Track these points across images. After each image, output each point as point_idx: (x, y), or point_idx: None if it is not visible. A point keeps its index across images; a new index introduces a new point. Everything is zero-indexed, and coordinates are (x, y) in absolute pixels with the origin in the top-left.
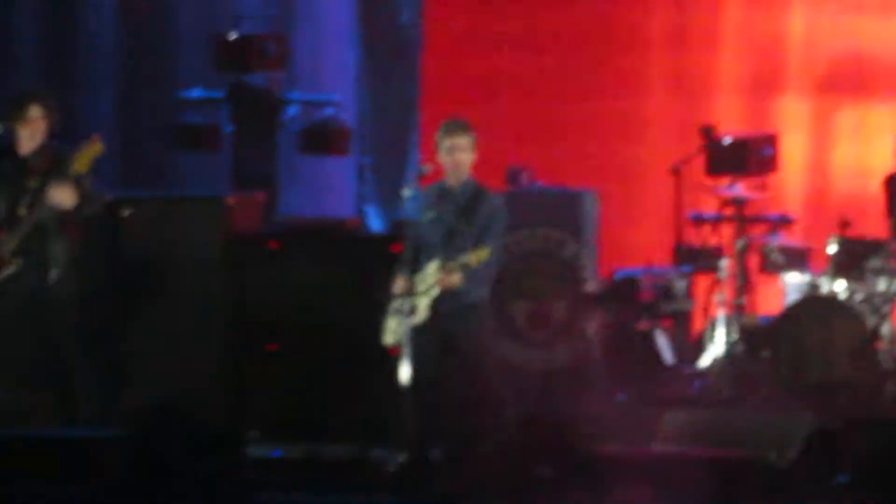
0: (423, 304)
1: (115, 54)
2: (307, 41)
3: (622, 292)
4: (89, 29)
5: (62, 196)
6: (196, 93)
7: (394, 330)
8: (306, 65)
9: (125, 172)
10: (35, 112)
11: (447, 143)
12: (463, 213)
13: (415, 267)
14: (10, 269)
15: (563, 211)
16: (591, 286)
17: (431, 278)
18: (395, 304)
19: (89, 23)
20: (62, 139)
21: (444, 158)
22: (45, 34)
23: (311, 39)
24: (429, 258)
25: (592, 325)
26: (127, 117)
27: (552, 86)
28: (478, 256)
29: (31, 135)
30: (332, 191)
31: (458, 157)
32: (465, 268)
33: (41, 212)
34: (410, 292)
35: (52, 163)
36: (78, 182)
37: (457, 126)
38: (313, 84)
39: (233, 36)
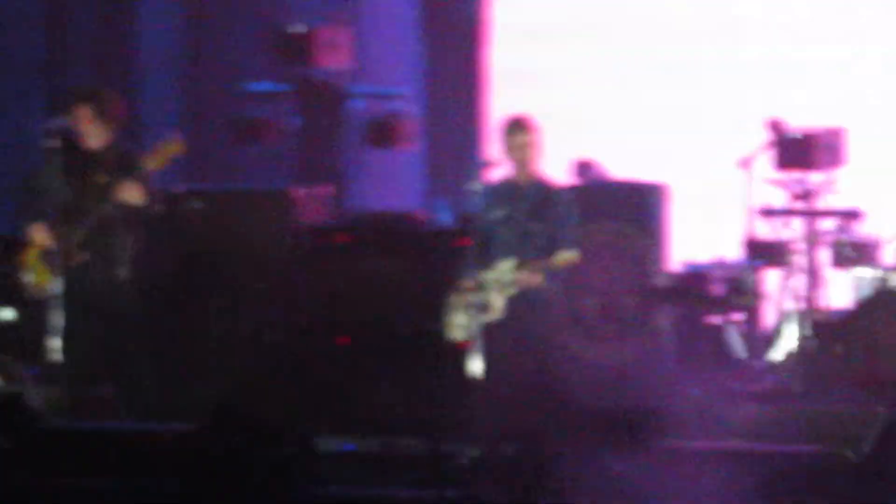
0: (499, 302)
1: (180, 47)
2: (372, 34)
3: (692, 286)
4: (153, 21)
5: (132, 194)
6: (261, 86)
7: (463, 325)
8: (372, 58)
9: (191, 166)
10: (83, 112)
11: (515, 140)
12: (535, 211)
13: (485, 263)
14: (75, 262)
15: (633, 204)
16: (661, 280)
17: (508, 276)
18: (463, 299)
19: (152, 15)
20: (127, 133)
21: (511, 155)
22: (107, 27)
23: (377, 32)
24: (501, 255)
25: (662, 320)
26: (192, 111)
27: (621, 76)
28: (565, 259)
29: (86, 132)
30: (399, 184)
31: (526, 153)
32: (550, 269)
33: (108, 207)
34: (482, 288)
35: (121, 160)
36: (146, 178)
37: (523, 123)
38: (379, 77)
39: (298, 29)
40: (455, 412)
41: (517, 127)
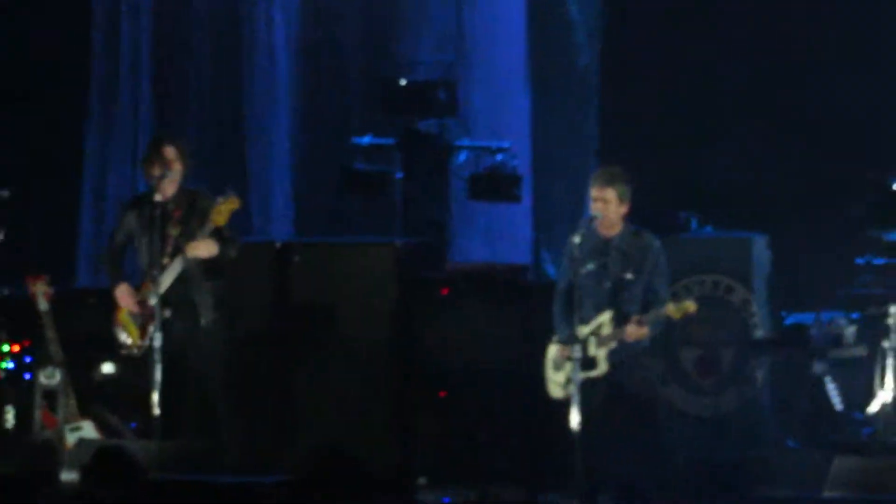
0: (602, 356)
1: (290, 100)
2: (483, 87)
3: (792, 338)
4: (264, 75)
5: (201, 250)
6: (367, 139)
7: (560, 381)
8: (482, 110)
9: (298, 217)
10: (170, 153)
11: (594, 193)
12: (628, 263)
13: (577, 316)
14: (160, 318)
15: (734, 256)
16: (761, 332)
17: (607, 329)
18: (561, 353)
19: (264, 69)
20: (238, 185)
21: (594, 207)
22: (219, 81)
23: (487, 85)
24: (594, 308)
25: (761, 371)
26: (301, 163)
27: (726, 126)
28: (682, 309)
29: (167, 176)
30: (507, 236)
31: (600, 207)
32: (660, 320)
33: (184, 261)
34: (580, 341)
35: (190, 208)
36: (216, 231)
37: (603, 178)
38: (488, 130)
39: (403, 82)
40: (553, 463)
41: (597, 181)
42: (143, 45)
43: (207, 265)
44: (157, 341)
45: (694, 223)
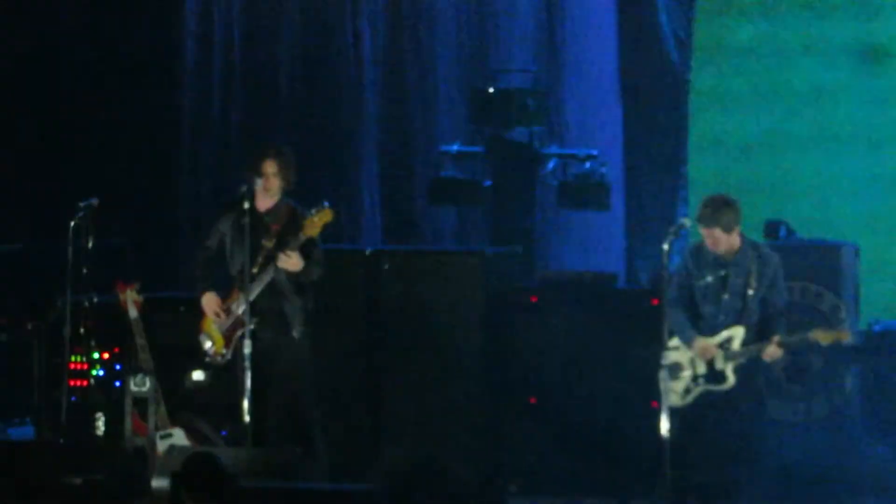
0: (729, 370)
1: (378, 108)
2: (574, 95)
3: (881, 345)
4: (352, 84)
5: (288, 263)
6: (456, 147)
7: (679, 391)
8: (574, 119)
9: (388, 226)
10: (270, 168)
11: (704, 232)
12: (748, 277)
13: (694, 326)
14: (246, 328)
15: (822, 263)
16: (850, 339)
17: (737, 344)
18: (682, 363)
19: (352, 77)
20: (327, 193)
21: (703, 234)
22: (307, 90)
23: (579, 93)
24: (712, 320)
25: (850, 378)
26: (390, 171)
27: (816, 139)
28: (832, 336)
29: (266, 189)
30: (601, 245)
31: (711, 244)
32: (800, 345)
33: (275, 272)
34: (709, 356)
35: (288, 223)
36: (307, 245)
37: (706, 219)
38: (580, 138)
39: (492, 90)
40: (641, 470)
41: (704, 221)
42: (235, 55)
43: (298, 279)
44: (247, 348)
45: (783, 231)
